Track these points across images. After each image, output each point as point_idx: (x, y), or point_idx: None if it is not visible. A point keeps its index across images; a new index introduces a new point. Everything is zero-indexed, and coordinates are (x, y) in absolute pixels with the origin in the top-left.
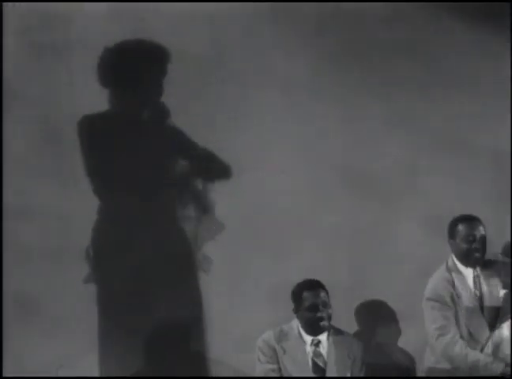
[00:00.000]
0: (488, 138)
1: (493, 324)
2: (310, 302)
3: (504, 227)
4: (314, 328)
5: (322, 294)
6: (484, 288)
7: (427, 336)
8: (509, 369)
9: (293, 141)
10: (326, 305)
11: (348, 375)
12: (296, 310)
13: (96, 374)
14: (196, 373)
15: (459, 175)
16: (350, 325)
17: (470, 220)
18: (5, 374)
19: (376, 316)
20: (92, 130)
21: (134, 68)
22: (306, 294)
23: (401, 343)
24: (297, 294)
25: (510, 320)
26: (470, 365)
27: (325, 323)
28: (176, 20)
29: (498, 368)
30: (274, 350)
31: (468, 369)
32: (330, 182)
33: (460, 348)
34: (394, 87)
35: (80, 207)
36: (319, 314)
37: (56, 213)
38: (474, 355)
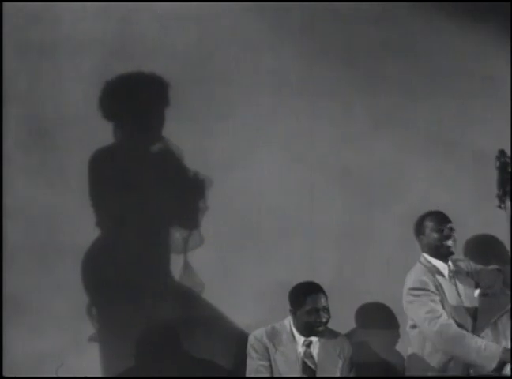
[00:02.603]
0: (475, 139)
1: (473, 322)
2: (311, 306)
3: (490, 226)
4: (310, 331)
5: (323, 298)
6: (460, 285)
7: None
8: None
9: (281, 140)
10: (326, 310)
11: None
12: (294, 311)
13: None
14: (185, 374)
15: (446, 175)
16: (339, 325)
17: (437, 214)
18: None
19: (368, 316)
20: (99, 165)
21: (137, 101)
22: (308, 297)
23: (389, 342)
24: (298, 296)
25: (508, 309)
26: (469, 346)
27: (322, 328)
28: (164, 18)
29: (498, 351)
30: (266, 348)
31: (466, 351)
32: (318, 182)
33: (456, 328)
34: (382, 86)
35: (67, 205)
36: (319, 319)
37: (43, 211)
38: (471, 336)
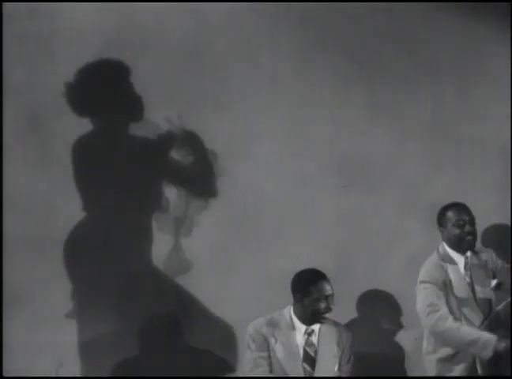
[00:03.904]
0: (474, 127)
1: (486, 313)
2: (320, 294)
3: (490, 215)
4: (315, 318)
5: (330, 285)
6: (475, 277)
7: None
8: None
9: (278, 130)
10: (332, 296)
11: (336, 365)
12: (300, 299)
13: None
14: (184, 365)
15: (444, 163)
16: (338, 314)
17: (458, 206)
18: None
19: (368, 305)
20: (82, 151)
21: (133, 92)
22: (317, 285)
23: (388, 331)
24: (306, 284)
25: (508, 301)
26: (462, 338)
27: (326, 315)
28: (161, 9)
29: (492, 340)
30: (265, 338)
31: (460, 343)
32: (317, 171)
33: (451, 322)
34: (380, 75)
35: (65, 196)
36: (328, 306)
37: (42, 202)
38: (466, 328)
